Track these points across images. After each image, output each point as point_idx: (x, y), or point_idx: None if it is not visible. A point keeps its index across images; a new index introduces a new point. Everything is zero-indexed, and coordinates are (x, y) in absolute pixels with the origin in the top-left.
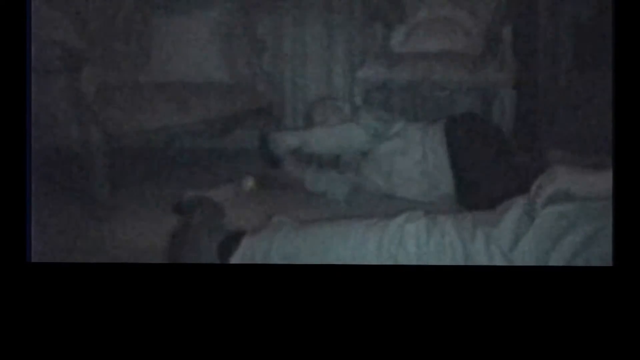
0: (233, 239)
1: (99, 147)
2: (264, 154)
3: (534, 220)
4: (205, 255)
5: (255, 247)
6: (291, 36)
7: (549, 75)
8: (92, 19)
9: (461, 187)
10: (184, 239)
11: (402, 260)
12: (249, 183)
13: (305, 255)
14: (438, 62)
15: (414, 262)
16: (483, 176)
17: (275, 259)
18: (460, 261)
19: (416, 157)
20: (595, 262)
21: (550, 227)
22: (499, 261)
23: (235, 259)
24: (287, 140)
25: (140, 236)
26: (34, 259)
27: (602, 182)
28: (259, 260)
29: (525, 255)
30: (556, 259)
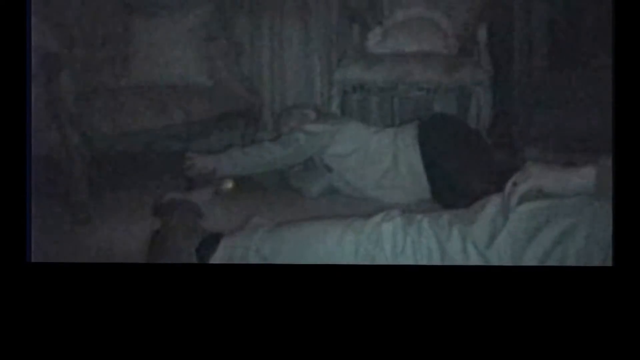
0: (212, 240)
1: (78, 150)
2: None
3: (509, 218)
4: (184, 256)
5: (233, 248)
6: (269, 38)
7: (525, 75)
8: (71, 23)
9: (437, 187)
10: (163, 240)
11: (380, 259)
12: (228, 185)
13: (283, 255)
14: (415, 62)
15: (390, 261)
16: (459, 175)
17: (254, 259)
18: (436, 259)
19: (386, 164)
20: (571, 259)
21: (526, 224)
22: (474, 259)
23: (214, 259)
24: (199, 163)
25: (121, 238)
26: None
27: (576, 178)
28: (237, 260)
29: (500, 253)
30: (532, 256)
